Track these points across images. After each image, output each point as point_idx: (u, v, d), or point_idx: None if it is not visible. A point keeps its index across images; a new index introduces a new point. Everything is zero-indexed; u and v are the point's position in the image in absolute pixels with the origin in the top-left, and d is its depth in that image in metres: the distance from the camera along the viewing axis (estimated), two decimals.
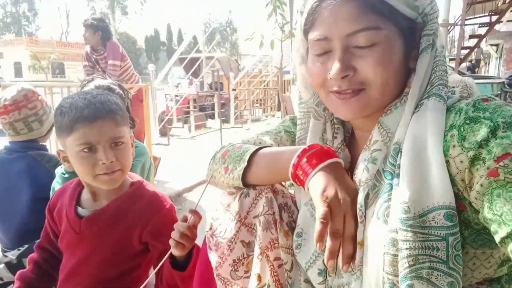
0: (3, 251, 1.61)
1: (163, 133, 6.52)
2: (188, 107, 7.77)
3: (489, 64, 21.21)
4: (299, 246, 0.81)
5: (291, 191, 0.92)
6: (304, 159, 0.77)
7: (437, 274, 0.61)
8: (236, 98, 8.58)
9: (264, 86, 10.09)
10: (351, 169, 0.82)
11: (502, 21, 10.32)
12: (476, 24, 11.47)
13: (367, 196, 0.72)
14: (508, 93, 9.60)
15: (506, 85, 9.46)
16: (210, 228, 0.90)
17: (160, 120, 6.99)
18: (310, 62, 0.78)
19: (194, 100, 8.01)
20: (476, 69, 14.70)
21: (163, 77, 8.46)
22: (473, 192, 0.61)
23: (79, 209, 1.15)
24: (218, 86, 7.78)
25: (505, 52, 16.06)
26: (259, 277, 0.80)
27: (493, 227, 0.57)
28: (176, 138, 6.58)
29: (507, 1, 9.70)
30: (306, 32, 0.77)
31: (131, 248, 1.13)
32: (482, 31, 10.61)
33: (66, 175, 1.45)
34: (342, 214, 0.70)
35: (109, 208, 1.13)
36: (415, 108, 0.71)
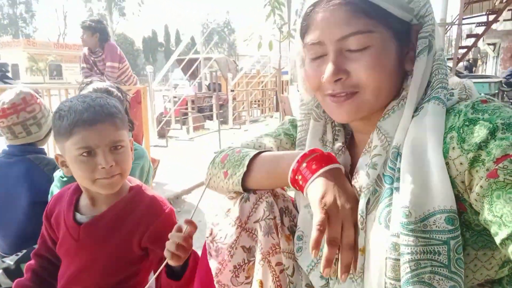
0: (1, 257, 1.59)
1: (161, 134, 6.50)
2: (186, 109, 7.76)
3: (486, 63, 21.25)
4: (300, 250, 0.81)
5: (292, 194, 0.91)
6: (304, 164, 0.77)
7: (439, 279, 0.62)
8: (234, 99, 8.57)
9: (262, 87, 10.09)
10: (351, 171, 0.82)
11: (499, 20, 10.34)
12: (474, 23, 11.49)
13: (367, 202, 0.72)
14: (505, 92, 9.62)
15: (503, 84, 9.48)
16: (210, 234, 0.89)
17: (158, 121, 6.98)
18: (306, 66, 0.79)
19: (192, 101, 8.00)
20: (474, 68, 14.71)
21: (161, 78, 8.45)
22: (473, 193, 0.61)
23: (78, 216, 1.14)
24: (216, 87, 7.79)
25: (502, 51, 16.09)
26: (261, 283, 0.80)
27: (493, 229, 0.58)
28: (174, 140, 6.56)
29: (504, 0, 9.73)
30: (302, 36, 0.78)
31: (131, 254, 1.12)
32: (480, 30, 10.63)
33: (65, 179, 1.44)
34: (340, 222, 0.69)
35: (108, 214, 1.12)
36: (415, 111, 0.71)
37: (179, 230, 0.96)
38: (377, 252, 0.68)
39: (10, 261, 1.48)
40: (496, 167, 0.57)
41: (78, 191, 1.18)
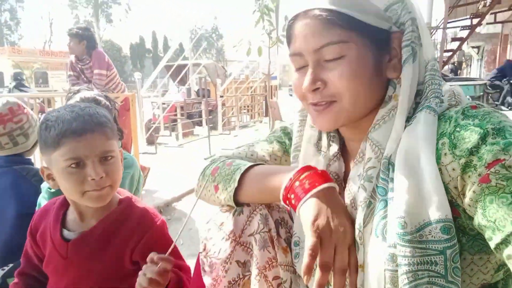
0: None
1: (150, 141, 6.46)
2: (175, 115, 7.72)
3: (471, 66, 21.63)
4: (297, 255, 0.80)
5: None
6: (297, 183, 0.75)
7: None
8: (223, 104, 8.56)
9: (251, 92, 10.09)
10: (344, 178, 0.82)
11: (482, 24, 10.55)
12: (458, 27, 11.72)
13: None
14: (490, 94, 9.79)
15: (488, 87, 9.66)
16: (204, 249, 0.87)
17: (147, 128, 6.93)
18: (292, 76, 0.80)
19: (181, 108, 7.97)
20: (459, 71, 14.95)
21: (149, 84, 8.40)
22: (466, 199, 0.62)
23: (65, 232, 1.09)
24: (205, 93, 7.76)
25: (486, 54, 16.42)
26: None
27: (487, 234, 0.58)
28: (164, 147, 6.51)
29: (487, 4, 9.93)
30: (288, 47, 0.80)
31: (122, 269, 1.08)
32: (464, 33, 10.83)
33: (53, 190, 1.41)
34: (333, 245, 0.68)
35: (97, 229, 1.07)
36: (407, 121, 0.71)
37: (153, 261, 0.89)
38: (375, 265, 0.67)
39: None
40: (488, 172, 0.58)
41: (64, 205, 1.13)
